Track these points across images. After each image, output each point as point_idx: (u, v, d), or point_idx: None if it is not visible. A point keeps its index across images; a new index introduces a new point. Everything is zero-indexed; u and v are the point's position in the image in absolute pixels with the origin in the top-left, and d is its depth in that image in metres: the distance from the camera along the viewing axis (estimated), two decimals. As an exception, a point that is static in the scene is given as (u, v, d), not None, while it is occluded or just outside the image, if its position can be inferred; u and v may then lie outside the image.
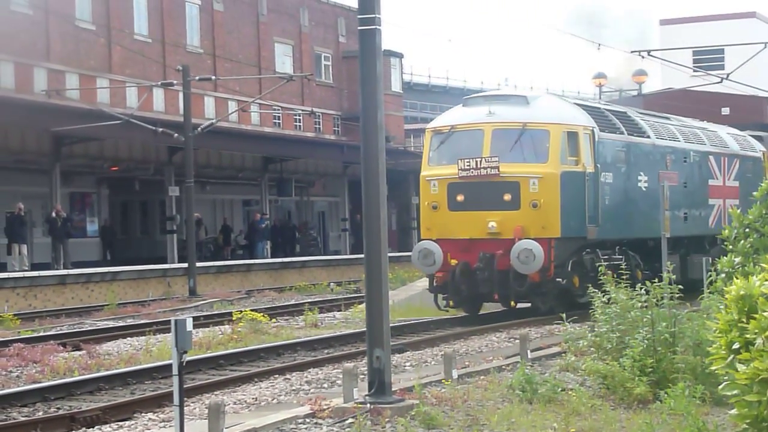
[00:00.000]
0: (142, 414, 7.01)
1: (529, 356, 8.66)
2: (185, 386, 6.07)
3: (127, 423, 6.68)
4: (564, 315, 8.15)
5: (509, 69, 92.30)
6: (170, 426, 6.09)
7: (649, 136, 15.35)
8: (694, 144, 16.87)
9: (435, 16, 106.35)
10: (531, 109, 13.21)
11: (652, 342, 6.80)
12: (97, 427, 6.59)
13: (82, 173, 27.30)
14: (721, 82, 20.55)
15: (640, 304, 7.05)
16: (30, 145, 23.86)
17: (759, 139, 19.87)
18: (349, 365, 7.01)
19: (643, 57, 19.33)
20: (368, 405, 6.11)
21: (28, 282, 19.56)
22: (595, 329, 7.38)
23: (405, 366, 8.98)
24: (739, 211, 7.53)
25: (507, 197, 12.57)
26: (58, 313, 17.55)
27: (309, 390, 7.78)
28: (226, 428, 5.51)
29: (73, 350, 11.07)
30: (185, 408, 5.84)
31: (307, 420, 6.03)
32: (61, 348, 11.12)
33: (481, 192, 12.71)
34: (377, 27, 6.67)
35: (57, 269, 21.52)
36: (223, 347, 11.09)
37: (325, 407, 6.19)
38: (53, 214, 22.44)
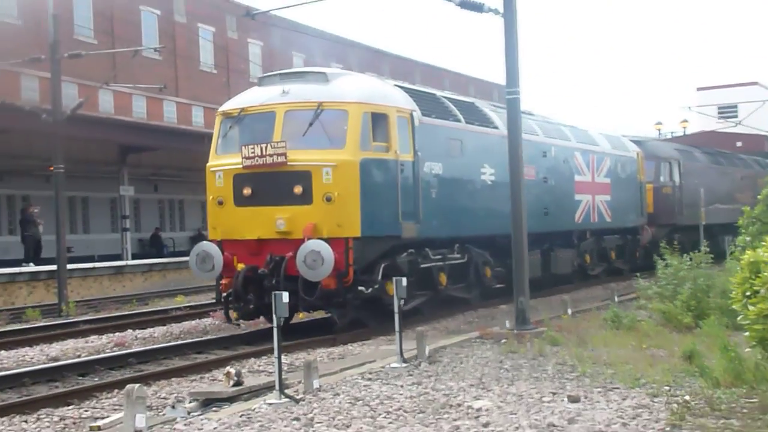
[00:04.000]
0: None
1: (616, 300, 13.00)
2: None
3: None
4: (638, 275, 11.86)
5: (584, 108, 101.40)
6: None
7: (497, 127, 13.67)
8: (556, 139, 16.02)
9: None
10: (331, 87, 10.93)
11: (695, 290, 10.08)
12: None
13: None
14: (735, 126, 32.47)
15: (686, 266, 10.49)
16: None
17: (638, 143, 21.39)
18: (504, 307, 12.27)
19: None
20: (515, 331, 9.62)
21: None
22: (658, 284, 10.82)
23: (537, 308, 12.07)
24: (748, 208, 11.99)
25: (297, 190, 10.29)
26: None
27: (479, 323, 11.65)
28: (428, 346, 8.80)
29: None
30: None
31: (478, 340, 9.62)
32: None
33: (268, 184, 10.52)
34: (518, 96, 10.25)
35: None
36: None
37: (489, 333, 9.88)
38: None
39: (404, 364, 7.80)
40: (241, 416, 5.92)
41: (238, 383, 6.57)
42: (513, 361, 8.08)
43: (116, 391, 7.52)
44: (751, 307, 6.07)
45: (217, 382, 7.55)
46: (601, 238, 18.01)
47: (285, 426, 5.63)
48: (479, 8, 10.30)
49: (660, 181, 21.30)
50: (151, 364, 9.37)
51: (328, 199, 10.24)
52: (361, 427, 5.54)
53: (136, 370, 9.10)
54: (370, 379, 7.19)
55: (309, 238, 10.00)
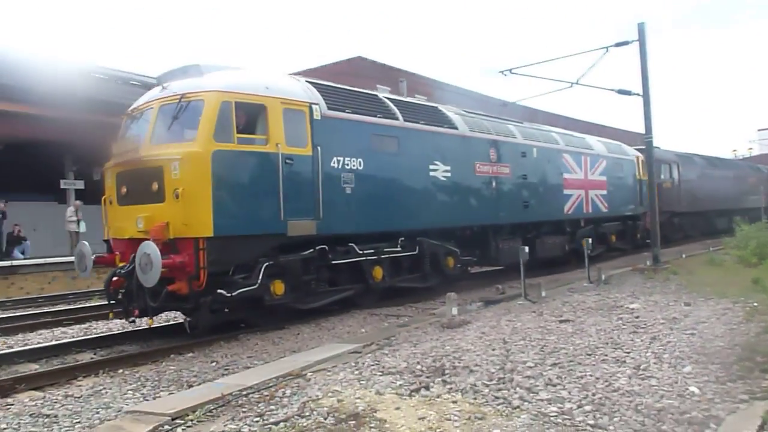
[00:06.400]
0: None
1: (711, 250, 20.59)
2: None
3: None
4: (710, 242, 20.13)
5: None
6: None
7: (456, 128, 14.44)
8: (538, 142, 17.47)
9: None
10: (199, 79, 10.42)
11: (759, 243, 16.90)
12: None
13: None
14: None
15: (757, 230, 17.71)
16: None
17: (642, 150, 24.91)
18: (647, 254, 18.28)
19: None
20: (651, 266, 16.24)
21: None
22: (735, 239, 18.73)
23: (664, 252, 18.65)
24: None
25: (154, 187, 9.80)
26: None
27: (629, 261, 18.95)
28: (603, 274, 14.15)
29: None
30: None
31: (629, 271, 16.34)
32: None
33: (134, 182, 10.21)
34: (652, 139, 17.34)
35: None
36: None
37: (636, 267, 16.62)
38: None
39: (590, 284, 13.20)
40: (504, 309, 11.32)
41: (502, 292, 12.18)
42: (651, 282, 13.48)
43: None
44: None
45: (490, 292, 13.76)
46: (600, 225, 20.80)
47: (527, 314, 10.81)
48: (628, 93, 17.64)
49: (660, 178, 26.41)
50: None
51: (177, 196, 9.56)
52: (568, 316, 10.69)
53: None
54: (572, 292, 12.64)
55: (155, 239, 9.34)
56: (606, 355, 7.42)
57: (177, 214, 9.65)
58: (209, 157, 9.77)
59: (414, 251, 13.27)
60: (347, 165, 11.74)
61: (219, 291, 9.89)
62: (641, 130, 17.61)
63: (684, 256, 19.59)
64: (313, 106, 11.26)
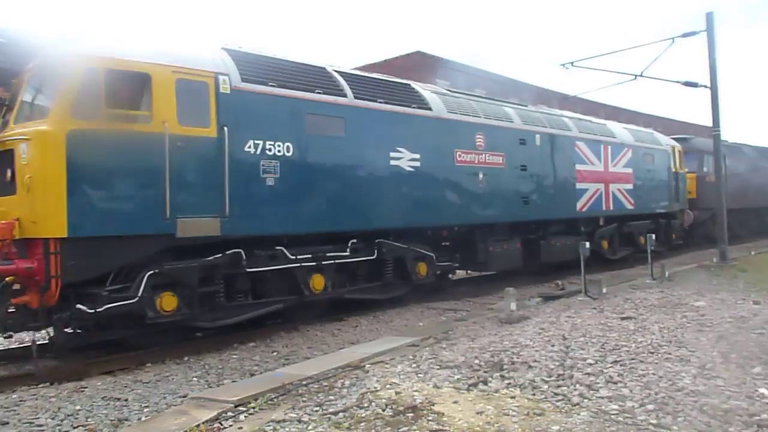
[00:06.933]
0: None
1: (752, 254, 20.04)
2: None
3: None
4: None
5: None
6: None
7: (429, 108, 12.25)
8: (542, 127, 15.19)
9: None
10: (74, 44, 8.58)
11: None
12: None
13: None
14: None
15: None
16: None
17: (681, 139, 23.74)
18: (712, 250, 18.29)
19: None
20: (718, 263, 16.13)
21: None
22: None
23: (732, 249, 18.39)
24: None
25: (8, 175, 8.22)
26: None
27: (695, 257, 18.97)
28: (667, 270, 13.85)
29: None
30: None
31: (694, 267, 15.99)
32: None
33: None
34: (719, 132, 17.07)
35: None
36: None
37: (702, 264, 16.49)
38: None
39: (653, 281, 12.88)
40: (563, 305, 11.18)
41: (562, 288, 12.05)
42: (717, 279, 13.04)
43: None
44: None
45: (550, 288, 13.60)
46: (625, 224, 18.46)
47: (587, 311, 10.65)
48: (695, 85, 17.17)
49: (703, 171, 24.03)
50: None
51: (27, 187, 7.87)
52: (630, 313, 10.47)
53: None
54: (633, 288, 12.35)
55: (3, 240, 7.89)
56: (669, 354, 7.26)
57: (26, 209, 7.96)
58: (63, 137, 7.81)
59: (371, 256, 11.29)
60: (269, 151, 9.65)
61: (78, 306, 8.02)
62: (710, 123, 17.17)
63: (753, 253, 19.03)
64: (221, 77, 9.22)
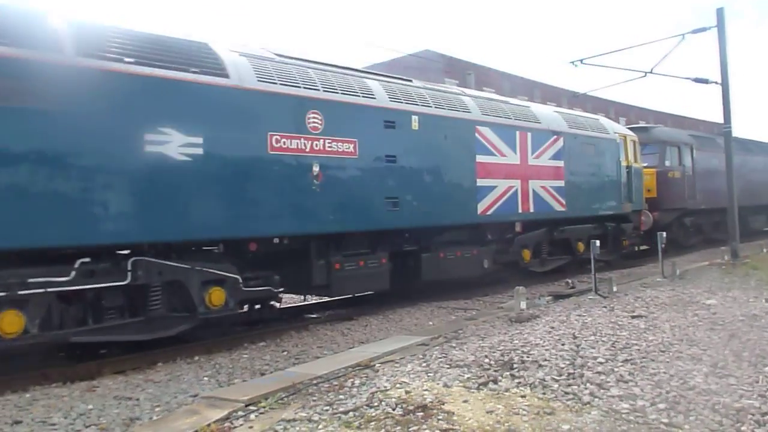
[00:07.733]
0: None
1: (764, 252, 19.31)
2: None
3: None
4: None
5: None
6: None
7: (226, 75, 9.22)
8: (422, 107, 12.03)
9: None
10: None
11: None
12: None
13: None
14: None
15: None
16: None
17: (641, 129, 20.83)
18: (723, 248, 18.24)
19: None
20: (729, 261, 15.75)
21: None
22: None
23: (743, 248, 18.21)
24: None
25: None
26: None
27: (707, 256, 18.71)
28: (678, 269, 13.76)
29: None
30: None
31: (705, 265, 15.86)
32: None
33: None
34: (731, 129, 16.88)
35: None
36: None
37: (714, 262, 16.31)
38: None
39: (664, 279, 12.80)
40: (573, 304, 11.15)
41: (572, 287, 11.99)
42: (729, 277, 12.92)
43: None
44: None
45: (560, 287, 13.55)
46: (557, 230, 15.63)
47: (598, 309, 10.62)
48: (705, 81, 17.23)
49: (665, 165, 20.75)
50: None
51: None
52: (640, 311, 10.43)
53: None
54: (644, 287, 12.29)
55: None
56: (681, 352, 7.23)
57: None
58: None
59: (122, 280, 8.40)
60: None
61: None
62: (721, 120, 17.07)
63: (765, 250, 18.90)
64: None
